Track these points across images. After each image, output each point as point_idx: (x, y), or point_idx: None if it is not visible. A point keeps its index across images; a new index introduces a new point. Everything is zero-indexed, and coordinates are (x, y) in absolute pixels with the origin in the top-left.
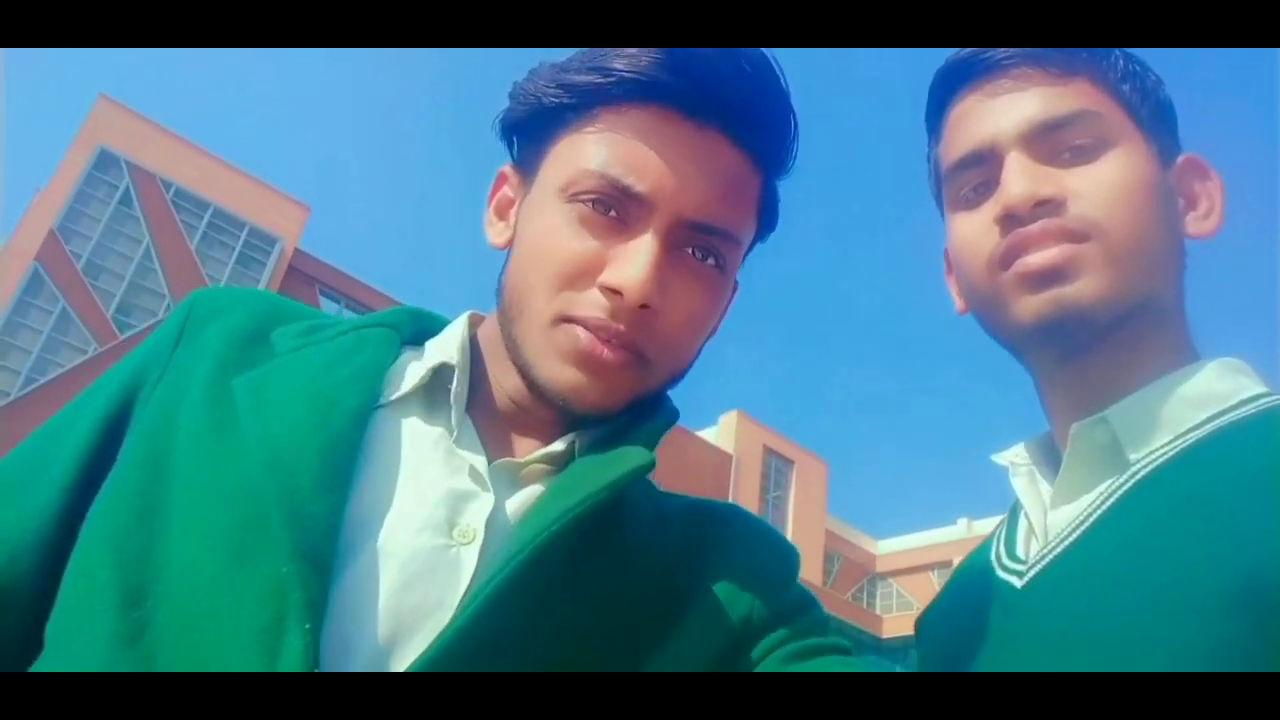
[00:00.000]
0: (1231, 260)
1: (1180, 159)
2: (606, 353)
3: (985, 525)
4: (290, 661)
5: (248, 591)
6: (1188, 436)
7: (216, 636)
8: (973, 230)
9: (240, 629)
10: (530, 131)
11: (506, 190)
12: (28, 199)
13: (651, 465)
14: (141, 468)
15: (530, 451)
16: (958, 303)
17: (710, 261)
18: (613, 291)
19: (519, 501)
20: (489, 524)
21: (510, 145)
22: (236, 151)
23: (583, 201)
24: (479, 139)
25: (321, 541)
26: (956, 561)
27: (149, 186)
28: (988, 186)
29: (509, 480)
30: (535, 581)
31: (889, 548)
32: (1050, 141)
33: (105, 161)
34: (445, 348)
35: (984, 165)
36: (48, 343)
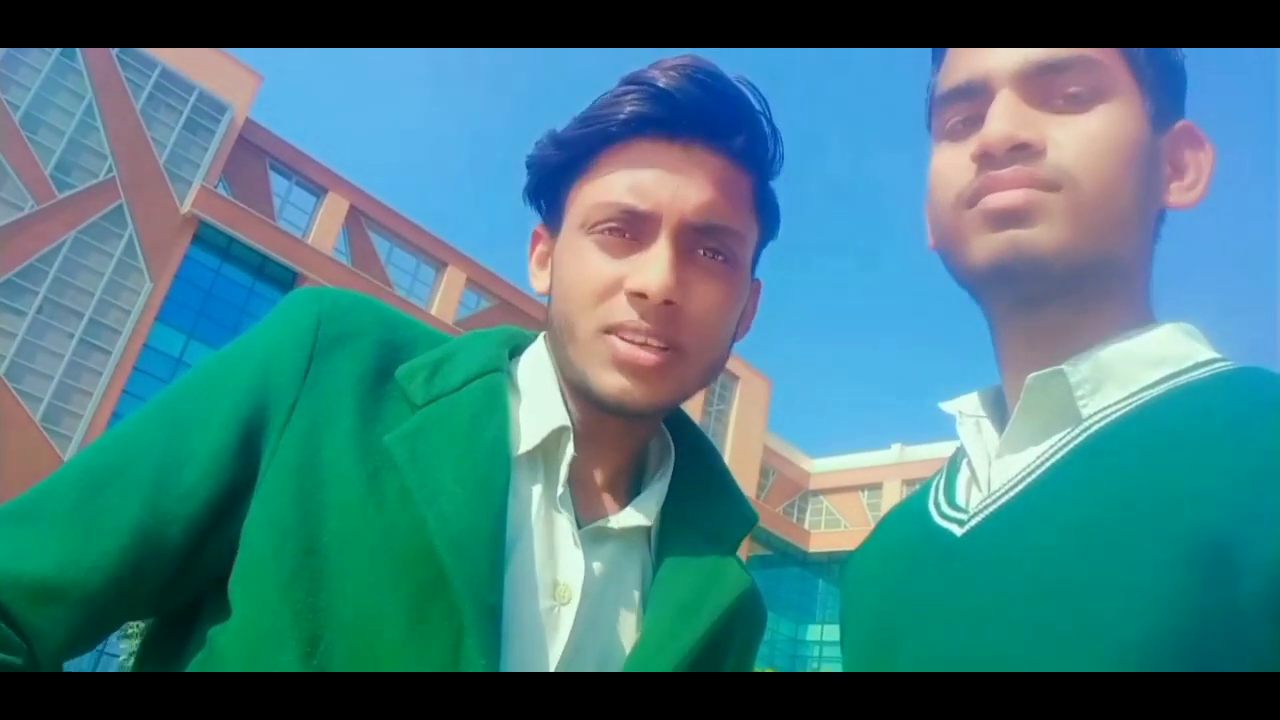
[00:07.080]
0: (1211, 239)
1: (1177, 125)
2: (644, 355)
3: (918, 451)
4: None
5: (430, 656)
6: (1142, 395)
7: None
8: (950, 163)
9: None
10: (549, 192)
11: (541, 246)
12: None
13: (751, 591)
14: (294, 506)
15: (605, 481)
16: (929, 237)
17: (720, 259)
18: (638, 295)
19: (607, 562)
20: (583, 585)
21: (539, 209)
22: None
23: (600, 231)
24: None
25: (497, 621)
26: (887, 484)
27: None
28: (976, 121)
29: (596, 536)
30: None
31: (823, 466)
32: (1045, 84)
33: None
34: (547, 399)
35: (975, 99)
36: None
